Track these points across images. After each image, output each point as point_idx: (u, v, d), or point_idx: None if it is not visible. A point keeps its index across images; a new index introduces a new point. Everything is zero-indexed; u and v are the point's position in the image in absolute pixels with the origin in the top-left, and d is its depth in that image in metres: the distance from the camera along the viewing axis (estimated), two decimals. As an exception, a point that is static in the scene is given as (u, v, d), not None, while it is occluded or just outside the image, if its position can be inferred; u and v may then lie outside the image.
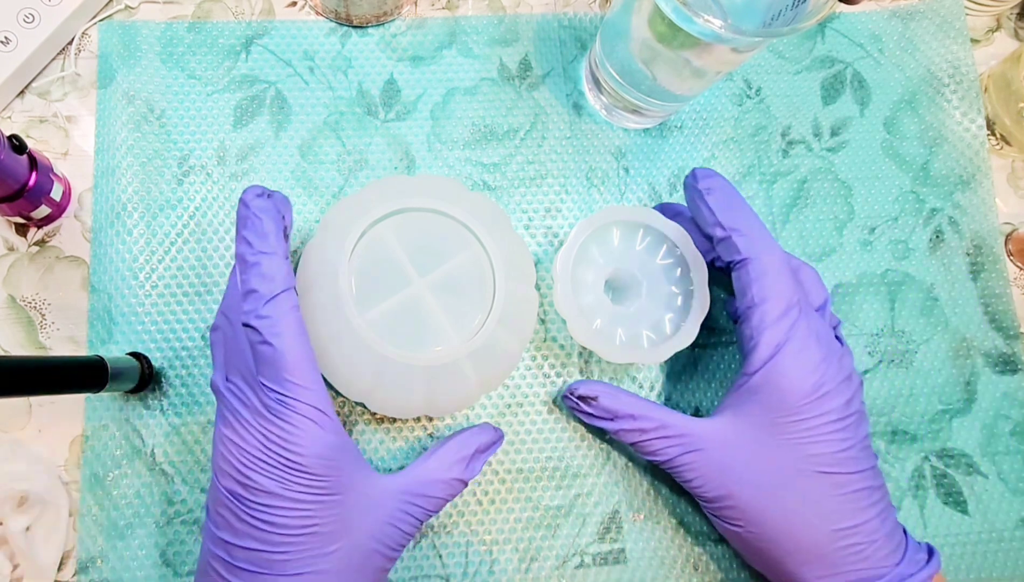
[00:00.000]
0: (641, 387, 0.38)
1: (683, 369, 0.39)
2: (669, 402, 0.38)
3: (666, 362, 0.39)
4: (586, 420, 0.35)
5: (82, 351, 0.37)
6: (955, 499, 0.38)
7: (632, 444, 0.33)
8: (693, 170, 0.34)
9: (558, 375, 0.38)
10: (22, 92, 0.39)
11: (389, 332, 0.31)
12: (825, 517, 0.30)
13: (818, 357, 0.31)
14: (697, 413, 0.38)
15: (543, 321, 0.39)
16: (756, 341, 0.31)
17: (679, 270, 0.36)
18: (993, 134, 0.43)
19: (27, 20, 0.38)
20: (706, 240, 0.34)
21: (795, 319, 0.31)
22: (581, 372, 0.38)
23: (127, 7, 0.41)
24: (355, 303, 0.30)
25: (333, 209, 0.33)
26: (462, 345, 0.31)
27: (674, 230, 0.35)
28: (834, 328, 0.34)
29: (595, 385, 0.34)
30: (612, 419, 0.33)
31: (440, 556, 0.36)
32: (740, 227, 0.32)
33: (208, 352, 0.37)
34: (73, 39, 0.40)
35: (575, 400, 0.35)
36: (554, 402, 0.38)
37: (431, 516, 0.31)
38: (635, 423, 0.33)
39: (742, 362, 0.32)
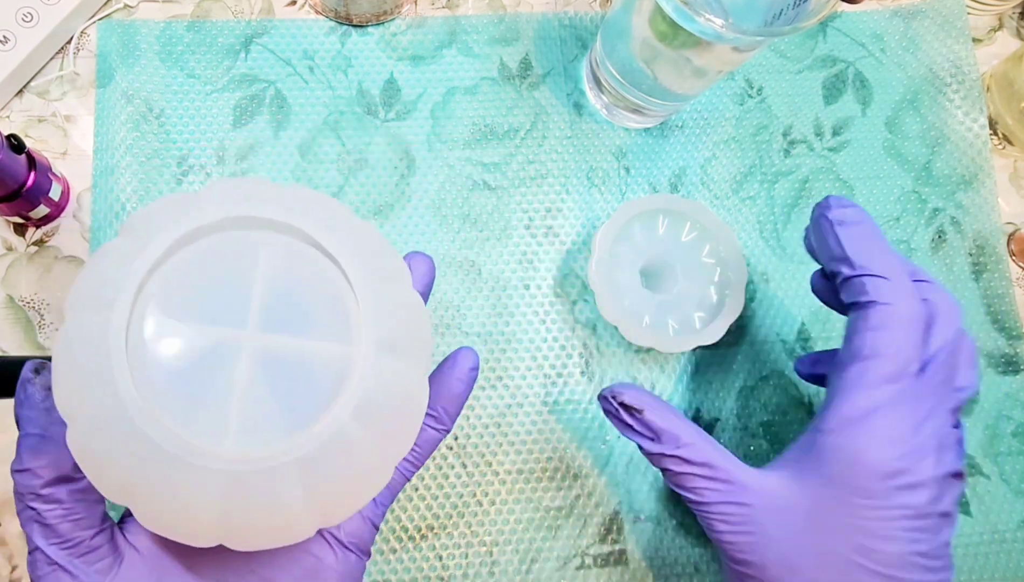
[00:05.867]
0: (641, 384, 0.38)
1: (683, 368, 0.39)
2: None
3: (668, 361, 0.39)
4: (621, 430, 0.30)
5: (81, 351, 0.36)
6: (957, 500, 0.38)
7: (666, 472, 0.29)
8: (828, 198, 0.29)
9: (558, 375, 0.38)
10: (21, 91, 0.39)
11: (235, 429, 0.19)
12: None
13: (915, 442, 0.25)
14: (697, 417, 0.38)
15: (544, 321, 0.39)
16: (844, 397, 0.26)
17: (720, 270, 0.36)
18: (995, 134, 0.43)
19: (26, 19, 0.38)
20: (823, 278, 0.31)
21: (903, 388, 0.26)
22: (582, 373, 0.38)
23: (126, 6, 0.41)
24: (177, 417, 0.19)
25: (83, 275, 0.21)
26: (338, 401, 0.20)
27: (721, 229, 0.36)
28: (956, 418, 0.28)
29: (643, 395, 0.30)
30: (653, 439, 0.29)
31: (440, 557, 0.36)
32: (875, 268, 0.27)
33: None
34: (72, 38, 0.40)
35: (615, 406, 0.30)
36: (554, 401, 0.38)
37: None
38: (678, 450, 0.28)
39: (819, 414, 0.28)
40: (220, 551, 0.22)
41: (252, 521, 0.20)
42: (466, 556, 0.36)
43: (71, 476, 0.23)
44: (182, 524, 0.20)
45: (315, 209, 0.22)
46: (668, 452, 0.28)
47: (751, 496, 0.27)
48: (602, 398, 0.31)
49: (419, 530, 0.36)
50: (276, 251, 0.21)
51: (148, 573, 0.24)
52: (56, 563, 0.23)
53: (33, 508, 0.23)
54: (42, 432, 0.23)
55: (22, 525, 0.23)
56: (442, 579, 0.36)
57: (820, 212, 0.29)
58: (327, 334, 0.20)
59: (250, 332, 0.20)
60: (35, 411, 0.23)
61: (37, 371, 0.23)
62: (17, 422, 0.23)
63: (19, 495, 0.23)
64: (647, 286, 0.37)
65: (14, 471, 0.23)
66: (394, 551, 0.36)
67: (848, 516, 0.25)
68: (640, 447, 0.30)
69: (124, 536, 0.24)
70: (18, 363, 0.25)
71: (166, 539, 0.24)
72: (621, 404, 0.30)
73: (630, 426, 0.30)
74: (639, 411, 0.29)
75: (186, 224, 0.20)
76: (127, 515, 0.25)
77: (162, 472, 0.19)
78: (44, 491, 0.23)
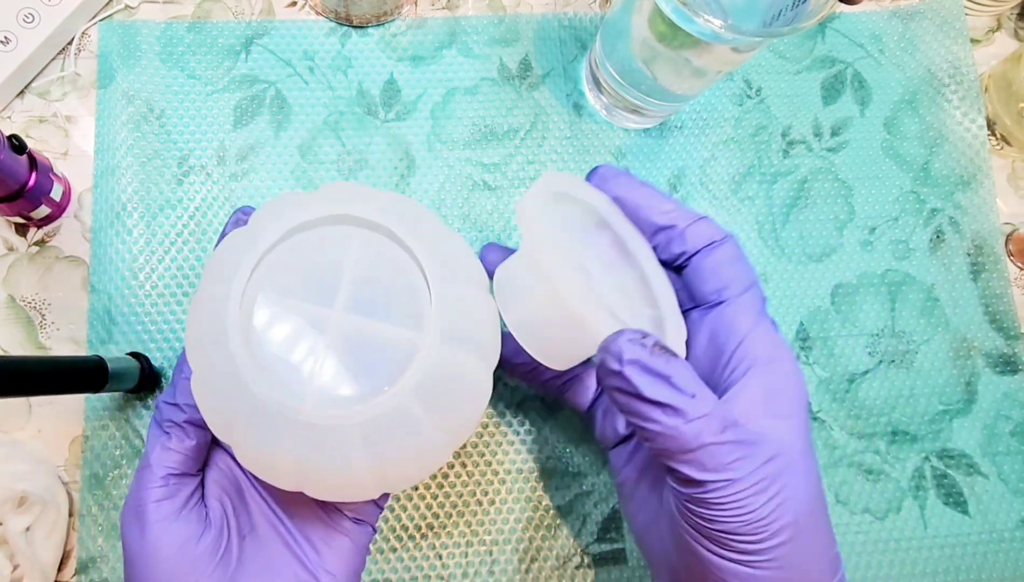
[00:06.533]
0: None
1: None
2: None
3: None
4: (643, 390, 0.21)
5: (82, 351, 0.36)
6: (955, 500, 0.38)
7: (688, 454, 0.22)
8: (598, 169, 0.29)
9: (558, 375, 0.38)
10: (22, 92, 0.39)
11: (316, 391, 0.23)
12: (832, 539, 0.25)
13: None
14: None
15: (543, 321, 0.39)
16: (748, 329, 0.26)
17: (618, 254, 0.28)
18: (993, 134, 0.43)
19: (27, 20, 0.38)
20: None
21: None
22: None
23: (127, 7, 0.41)
24: (261, 370, 0.23)
25: (216, 253, 0.26)
26: (402, 379, 0.22)
27: (602, 201, 0.29)
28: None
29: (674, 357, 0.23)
30: (695, 395, 0.22)
31: (440, 556, 0.36)
32: (693, 210, 0.28)
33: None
34: (73, 39, 0.40)
35: (648, 348, 0.22)
36: (554, 400, 0.38)
37: None
38: (715, 411, 0.22)
39: (727, 357, 0.26)
40: (260, 506, 0.28)
41: (322, 472, 0.23)
42: (466, 555, 0.36)
43: (203, 425, 0.27)
44: (268, 465, 0.24)
45: (406, 213, 0.25)
46: (702, 413, 0.21)
47: (773, 447, 0.23)
48: (626, 341, 0.22)
49: (419, 529, 0.36)
50: (367, 245, 0.24)
51: (207, 524, 0.27)
52: (156, 483, 0.27)
53: (168, 433, 0.27)
54: None
55: (148, 443, 0.28)
56: (442, 578, 0.36)
57: (609, 176, 0.29)
58: (401, 321, 0.23)
59: (336, 312, 0.23)
60: None
61: None
62: (180, 367, 0.29)
63: (160, 421, 0.28)
64: None
65: (165, 403, 0.28)
66: (394, 550, 0.36)
67: (807, 433, 0.24)
68: (652, 424, 0.22)
69: (203, 493, 0.28)
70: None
71: (224, 497, 0.28)
72: (656, 345, 0.22)
73: (666, 378, 0.21)
74: (665, 350, 0.22)
75: (294, 219, 0.24)
76: (204, 479, 0.29)
77: (255, 418, 0.22)
78: (184, 425, 0.27)
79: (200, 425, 0.28)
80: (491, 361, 0.25)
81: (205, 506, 0.28)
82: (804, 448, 0.24)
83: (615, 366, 0.22)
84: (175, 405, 0.28)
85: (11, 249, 0.37)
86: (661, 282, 0.28)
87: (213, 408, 0.24)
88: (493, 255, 0.32)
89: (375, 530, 0.29)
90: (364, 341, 0.23)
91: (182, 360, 0.29)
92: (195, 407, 0.26)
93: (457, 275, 0.25)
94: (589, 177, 0.30)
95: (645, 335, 0.22)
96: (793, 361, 0.26)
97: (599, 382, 0.23)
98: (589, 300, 0.23)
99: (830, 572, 0.24)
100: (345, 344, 0.23)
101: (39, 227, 0.38)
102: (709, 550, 0.23)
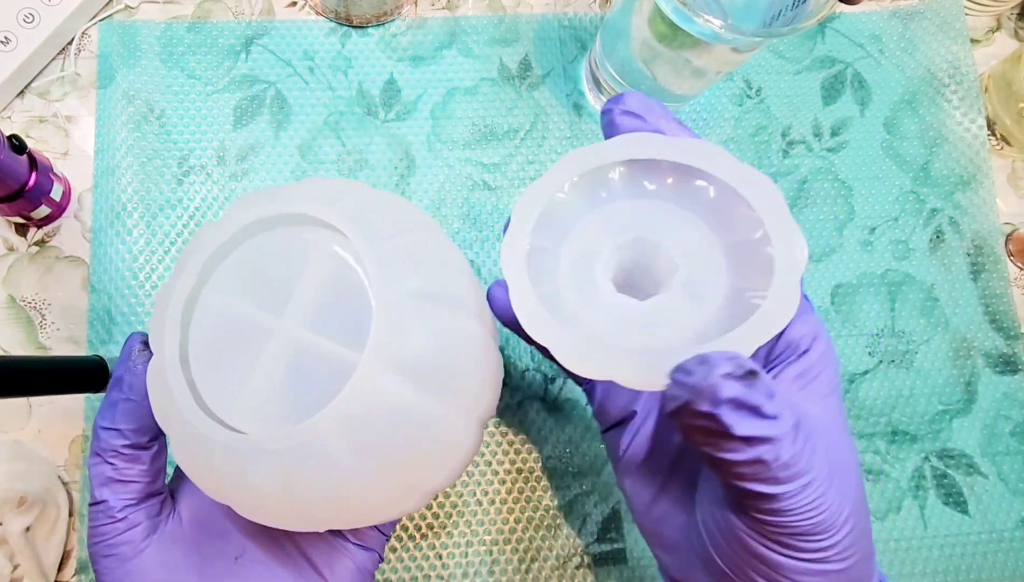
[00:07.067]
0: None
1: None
2: None
3: None
4: (719, 444, 0.18)
5: (82, 351, 0.36)
6: (955, 499, 0.38)
7: (755, 466, 0.18)
8: (622, 96, 0.22)
9: (558, 375, 0.38)
10: (22, 92, 0.39)
11: (245, 405, 0.21)
12: (868, 516, 0.22)
13: None
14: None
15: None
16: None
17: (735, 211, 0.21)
18: (993, 134, 0.43)
19: (27, 20, 0.38)
20: None
21: None
22: (581, 372, 0.38)
23: (127, 7, 0.41)
24: (201, 399, 0.21)
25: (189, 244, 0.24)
26: (327, 411, 0.19)
27: (631, 145, 0.21)
28: None
29: (737, 355, 0.18)
30: (776, 416, 0.18)
31: (440, 556, 0.36)
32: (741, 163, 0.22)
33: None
34: (73, 39, 0.40)
35: (739, 373, 0.17)
36: (554, 400, 0.38)
37: None
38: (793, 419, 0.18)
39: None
40: (251, 524, 0.25)
41: (233, 490, 0.21)
42: (466, 555, 0.36)
43: (149, 445, 0.25)
44: (194, 472, 0.22)
45: (383, 217, 0.22)
46: (785, 430, 0.18)
47: (825, 432, 0.20)
48: (720, 377, 0.17)
49: (419, 529, 0.36)
50: (333, 252, 0.22)
51: (184, 540, 0.25)
52: (116, 518, 0.24)
53: (112, 463, 0.24)
54: (139, 400, 0.24)
55: (92, 477, 0.25)
56: (442, 578, 0.36)
57: (627, 108, 0.22)
58: (349, 341, 0.20)
59: (283, 322, 0.21)
60: (137, 380, 0.24)
61: (146, 344, 0.25)
62: (118, 384, 0.25)
63: (100, 451, 0.25)
64: (635, 293, 0.22)
65: (102, 428, 0.24)
66: (394, 550, 0.36)
67: (842, 407, 0.22)
68: (736, 455, 0.18)
69: (173, 504, 0.26)
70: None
71: (204, 512, 0.26)
72: (751, 372, 0.17)
73: (757, 408, 0.17)
74: (754, 374, 0.17)
75: (250, 216, 0.22)
76: (177, 487, 0.27)
77: (180, 422, 0.21)
78: (127, 451, 0.24)
79: (144, 447, 0.25)
80: (468, 406, 0.22)
81: (180, 517, 0.26)
82: (845, 427, 0.22)
83: (705, 407, 0.17)
84: (115, 430, 0.25)
85: (11, 249, 0.37)
86: (756, 192, 0.20)
87: (156, 396, 0.22)
88: (500, 292, 0.29)
89: (381, 558, 0.28)
90: (307, 358, 0.20)
91: (119, 373, 0.25)
92: (136, 430, 0.24)
93: (427, 294, 0.21)
94: (609, 109, 0.22)
95: (737, 361, 0.17)
96: (828, 338, 0.22)
97: (665, 413, 0.18)
98: (595, 355, 0.19)
99: (871, 553, 0.22)
100: (287, 358, 0.21)
101: (39, 227, 0.38)
102: (778, 553, 0.20)
